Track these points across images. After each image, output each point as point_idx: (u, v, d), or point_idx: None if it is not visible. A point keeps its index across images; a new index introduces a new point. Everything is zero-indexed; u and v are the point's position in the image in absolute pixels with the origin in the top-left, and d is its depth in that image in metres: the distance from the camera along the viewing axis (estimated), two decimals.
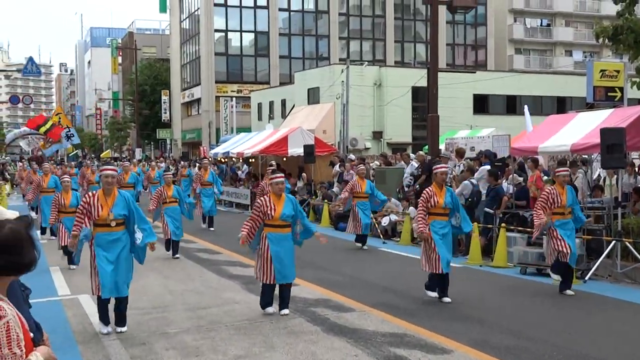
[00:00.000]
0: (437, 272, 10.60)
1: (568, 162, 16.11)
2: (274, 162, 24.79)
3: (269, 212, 9.69)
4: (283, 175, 10.53)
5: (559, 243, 11.11)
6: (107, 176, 9.00)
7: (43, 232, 19.03)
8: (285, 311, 9.77)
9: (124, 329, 8.92)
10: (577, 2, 70.36)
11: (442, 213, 10.79)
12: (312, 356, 7.74)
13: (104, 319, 8.93)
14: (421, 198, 10.99)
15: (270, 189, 10.12)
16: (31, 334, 3.34)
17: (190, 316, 9.80)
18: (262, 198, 10.01)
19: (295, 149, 26.88)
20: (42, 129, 35.79)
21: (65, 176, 15.57)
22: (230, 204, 29.56)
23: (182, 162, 35.93)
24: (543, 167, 17.88)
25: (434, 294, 10.69)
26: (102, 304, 8.91)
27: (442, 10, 27.28)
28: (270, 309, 9.74)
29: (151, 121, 75.61)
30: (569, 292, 11.18)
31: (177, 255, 15.54)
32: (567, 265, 11.24)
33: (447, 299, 10.63)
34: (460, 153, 19.93)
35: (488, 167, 16.83)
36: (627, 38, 16.29)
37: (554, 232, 11.22)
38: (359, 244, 16.98)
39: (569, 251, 11.03)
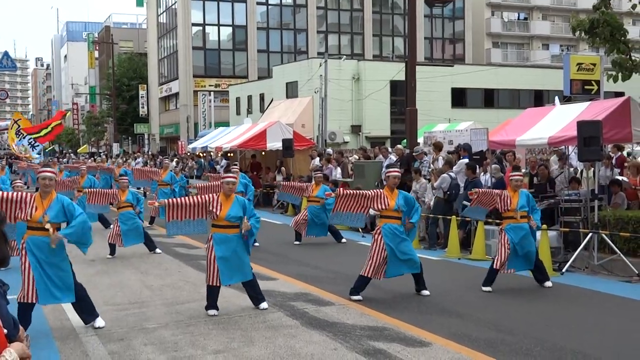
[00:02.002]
0: (376, 277, 10.42)
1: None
2: (236, 164, 24.58)
3: (213, 210, 9.43)
4: (235, 176, 10.32)
5: (502, 252, 11.07)
6: (45, 178, 8.49)
7: None
8: (264, 305, 9.70)
9: (102, 323, 8.80)
10: None
11: (394, 216, 10.42)
12: (291, 350, 7.73)
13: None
14: (370, 192, 10.79)
15: (221, 187, 9.76)
16: (5, 330, 3.28)
17: (168, 311, 9.75)
18: (211, 195, 9.69)
19: (274, 143, 26.85)
20: (44, 131, 34.45)
21: (18, 181, 15.02)
22: None
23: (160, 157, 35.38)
24: (520, 160, 17.98)
25: (359, 297, 10.30)
26: (28, 310, 8.39)
27: (420, 3, 27.33)
28: (212, 312, 9.47)
29: (129, 116, 75.20)
30: (547, 283, 11.22)
31: (158, 250, 15.42)
32: (537, 259, 11.32)
33: (425, 292, 10.63)
34: (438, 147, 19.97)
35: (467, 160, 16.88)
36: (604, 31, 16.35)
37: (504, 237, 11.12)
38: (297, 242, 16.74)
39: (502, 264, 11.02)
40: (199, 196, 9.88)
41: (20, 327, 3.66)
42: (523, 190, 11.50)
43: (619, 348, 7.90)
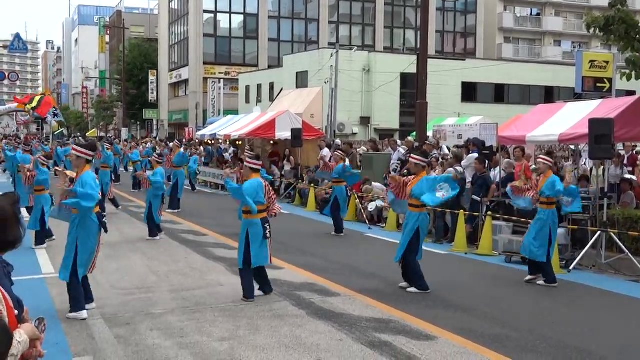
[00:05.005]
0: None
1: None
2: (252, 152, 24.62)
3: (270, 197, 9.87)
4: (261, 163, 10.52)
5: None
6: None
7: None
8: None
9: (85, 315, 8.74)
10: None
11: (414, 204, 10.52)
12: (297, 340, 7.73)
13: (83, 302, 8.67)
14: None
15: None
16: (16, 312, 3.27)
17: (175, 297, 9.77)
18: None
19: (283, 133, 26.79)
20: (29, 107, 35.37)
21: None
22: (216, 186, 29.45)
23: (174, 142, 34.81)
24: (530, 156, 17.91)
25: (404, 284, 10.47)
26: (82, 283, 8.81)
27: None
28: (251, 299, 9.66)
29: (138, 101, 75.21)
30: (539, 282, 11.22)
31: (157, 238, 15.50)
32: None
33: (403, 284, 10.65)
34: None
35: (476, 155, 16.82)
36: (619, 29, 16.22)
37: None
38: (338, 233, 16.59)
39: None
40: None
41: (25, 308, 3.65)
42: (553, 177, 11.52)
43: (623, 346, 7.88)
